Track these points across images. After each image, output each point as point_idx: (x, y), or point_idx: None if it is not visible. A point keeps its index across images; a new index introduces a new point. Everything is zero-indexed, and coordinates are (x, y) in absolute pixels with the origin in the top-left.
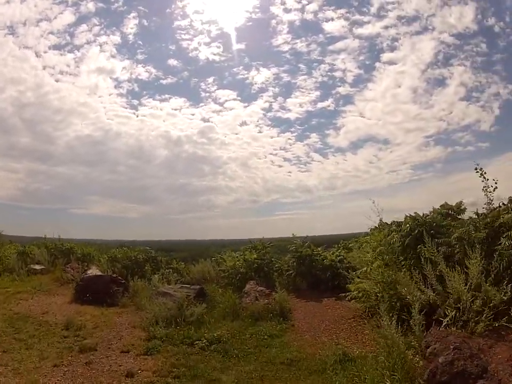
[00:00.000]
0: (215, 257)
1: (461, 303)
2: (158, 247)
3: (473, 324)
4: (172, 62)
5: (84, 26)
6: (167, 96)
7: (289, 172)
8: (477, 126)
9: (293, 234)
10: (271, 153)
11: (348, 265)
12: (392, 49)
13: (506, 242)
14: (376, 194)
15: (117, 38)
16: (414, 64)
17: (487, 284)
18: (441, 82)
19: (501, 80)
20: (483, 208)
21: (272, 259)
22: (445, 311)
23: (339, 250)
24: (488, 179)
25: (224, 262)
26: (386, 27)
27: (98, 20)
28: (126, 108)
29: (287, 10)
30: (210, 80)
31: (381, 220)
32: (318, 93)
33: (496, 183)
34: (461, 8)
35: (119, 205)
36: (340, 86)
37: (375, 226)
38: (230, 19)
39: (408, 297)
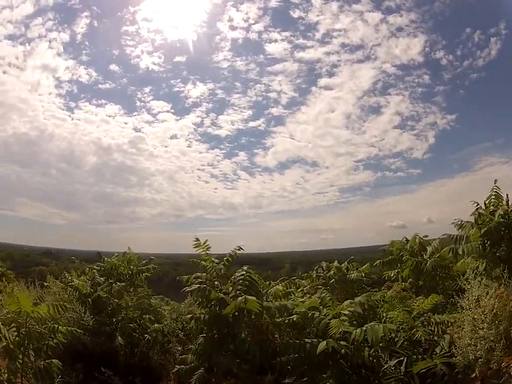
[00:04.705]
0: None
1: None
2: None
3: None
4: (113, 67)
5: (39, 19)
6: (103, 101)
7: (215, 189)
8: (409, 154)
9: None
10: (198, 169)
11: None
12: (331, 75)
13: None
14: (301, 215)
15: (66, 36)
16: (351, 91)
17: None
18: (376, 110)
19: (440, 111)
20: None
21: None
22: None
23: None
24: None
25: None
26: (328, 53)
27: (53, 14)
28: (63, 110)
29: (232, 28)
30: (147, 89)
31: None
32: (250, 112)
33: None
34: (409, 40)
35: (46, 210)
36: (273, 107)
37: None
38: (175, 31)
39: None
